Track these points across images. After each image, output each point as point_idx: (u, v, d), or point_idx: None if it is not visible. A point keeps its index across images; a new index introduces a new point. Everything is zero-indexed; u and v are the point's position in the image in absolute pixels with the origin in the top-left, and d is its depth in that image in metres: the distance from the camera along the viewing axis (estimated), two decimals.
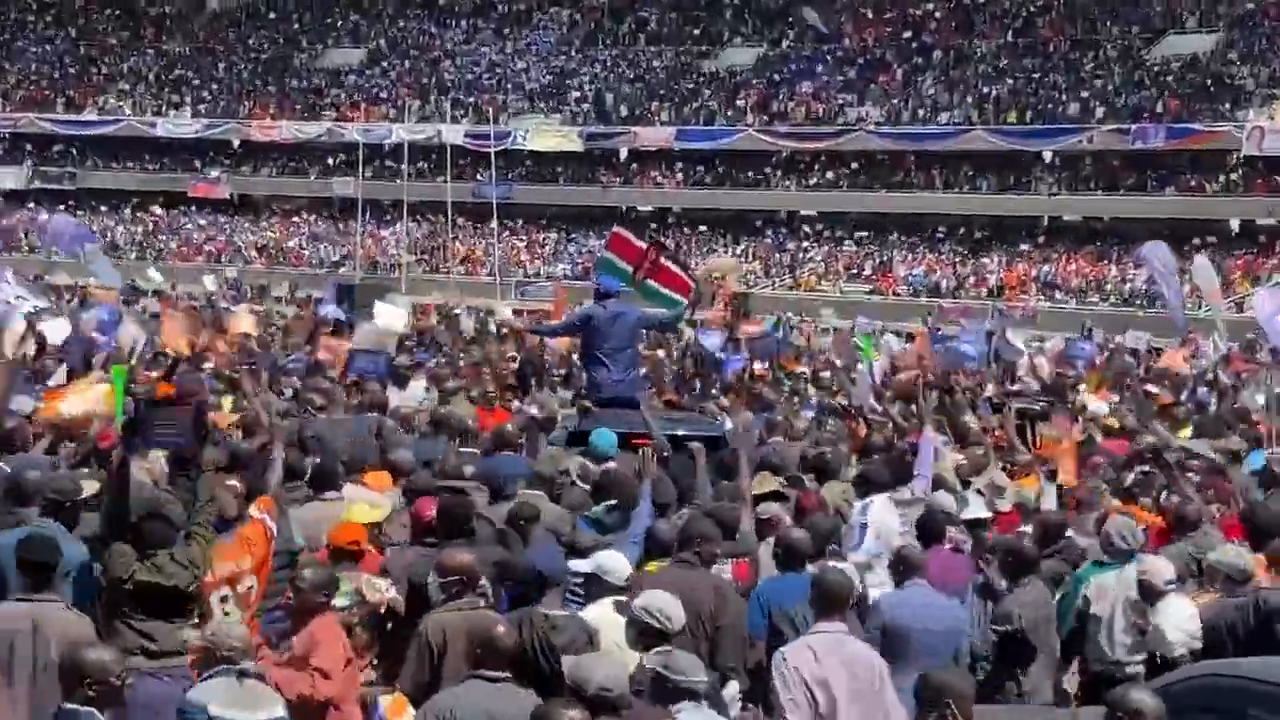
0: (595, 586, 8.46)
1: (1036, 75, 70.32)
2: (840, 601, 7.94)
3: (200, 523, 8.63)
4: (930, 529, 10.47)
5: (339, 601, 8.67)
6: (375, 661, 9.12)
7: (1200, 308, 39.50)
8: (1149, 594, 9.47)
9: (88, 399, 12.86)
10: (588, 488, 11.27)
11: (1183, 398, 22.13)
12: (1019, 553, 9.92)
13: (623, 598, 8.17)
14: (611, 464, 11.65)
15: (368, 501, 10.61)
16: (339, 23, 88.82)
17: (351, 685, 8.18)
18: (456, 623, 8.02)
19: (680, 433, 12.89)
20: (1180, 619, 9.19)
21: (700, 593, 8.61)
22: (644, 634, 7.44)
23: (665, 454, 11.89)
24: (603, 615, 8.08)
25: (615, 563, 8.54)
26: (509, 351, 24.75)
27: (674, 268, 19.27)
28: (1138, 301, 60.24)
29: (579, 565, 8.69)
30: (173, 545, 8.38)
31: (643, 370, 18.02)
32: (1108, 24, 71.87)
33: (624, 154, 74.84)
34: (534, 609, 7.98)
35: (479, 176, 74.41)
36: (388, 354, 20.66)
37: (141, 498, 9.01)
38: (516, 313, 41.39)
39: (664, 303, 18.69)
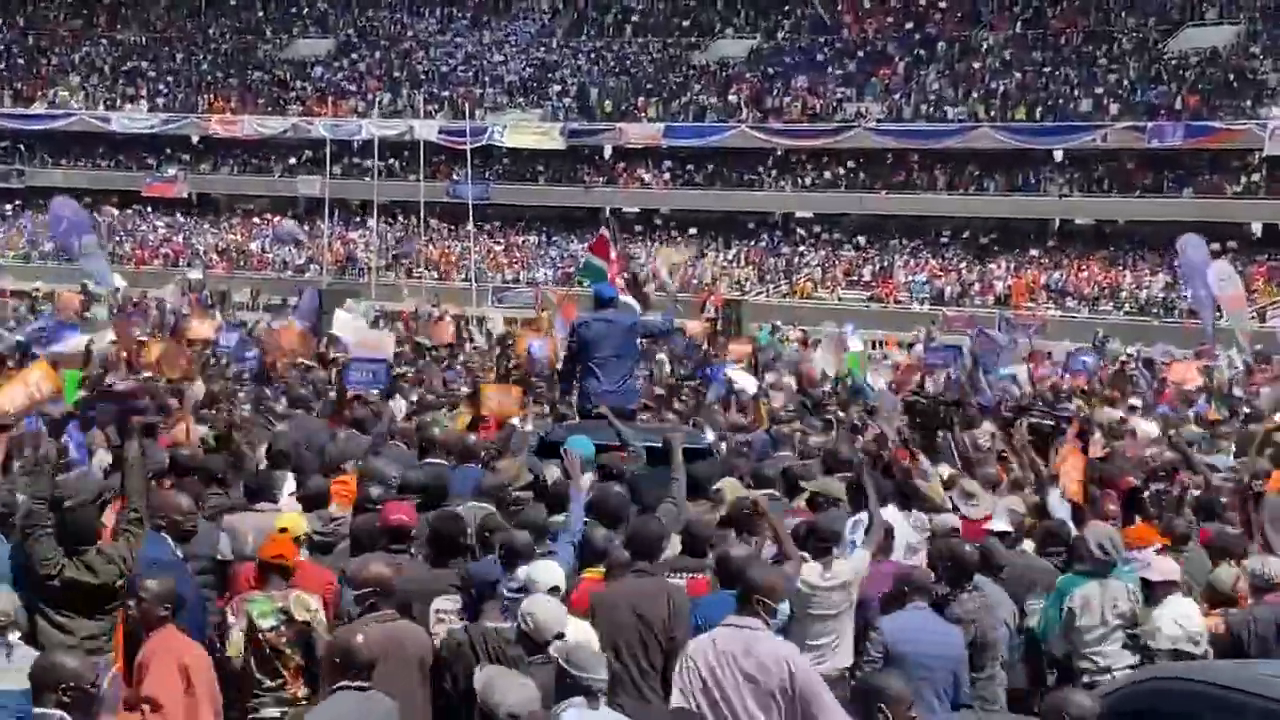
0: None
1: (1047, 69, 68.22)
2: (753, 598, 7.92)
3: (131, 520, 8.74)
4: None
5: (265, 622, 8.70)
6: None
7: (1222, 316, 37.44)
8: (1152, 592, 9.81)
9: (28, 385, 12.99)
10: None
11: (1190, 413, 22.26)
12: (959, 559, 9.81)
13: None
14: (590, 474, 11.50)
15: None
16: (305, 11, 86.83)
17: (199, 705, 7.86)
18: (373, 635, 7.97)
19: (661, 444, 12.54)
20: (1180, 616, 9.57)
21: (655, 603, 8.68)
22: (522, 638, 7.80)
23: (618, 471, 11.77)
24: None
25: (545, 574, 8.40)
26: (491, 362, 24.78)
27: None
28: (1154, 310, 58.69)
29: (514, 578, 8.59)
30: (98, 540, 8.62)
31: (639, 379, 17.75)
32: (1123, 15, 69.90)
33: (608, 151, 72.58)
34: (483, 623, 8.18)
35: (454, 175, 72.23)
36: (387, 361, 20.24)
37: (70, 483, 9.46)
38: (509, 322, 39.51)
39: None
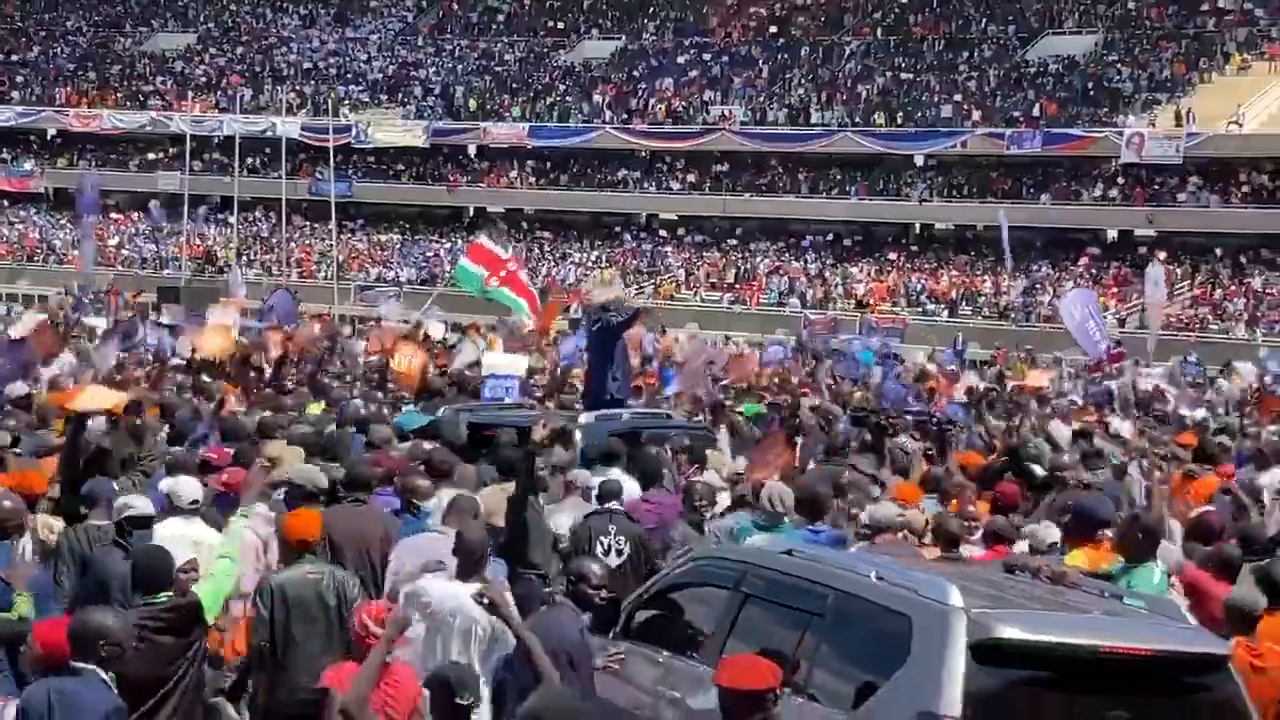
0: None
1: (908, 75, 68.68)
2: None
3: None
4: (647, 473, 13.03)
5: None
6: None
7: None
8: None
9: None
10: None
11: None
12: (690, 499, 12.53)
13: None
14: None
15: None
16: (166, 4, 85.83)
17: None
18: None
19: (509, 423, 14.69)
20: None
21: (370, 526, 10.69)
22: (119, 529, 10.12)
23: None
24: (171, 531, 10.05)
25: (184, 487, 10.49)
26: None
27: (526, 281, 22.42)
28: (1012, 315, 58.74)
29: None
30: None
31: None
32: (983, 22, 70.64)
33: (473, 150, 71.86)
34: (88, 522, 10.40)
35: (317, 173, 71.38)
36: (520, 378, 20.74)
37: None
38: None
39: (512, 305, 23.50)
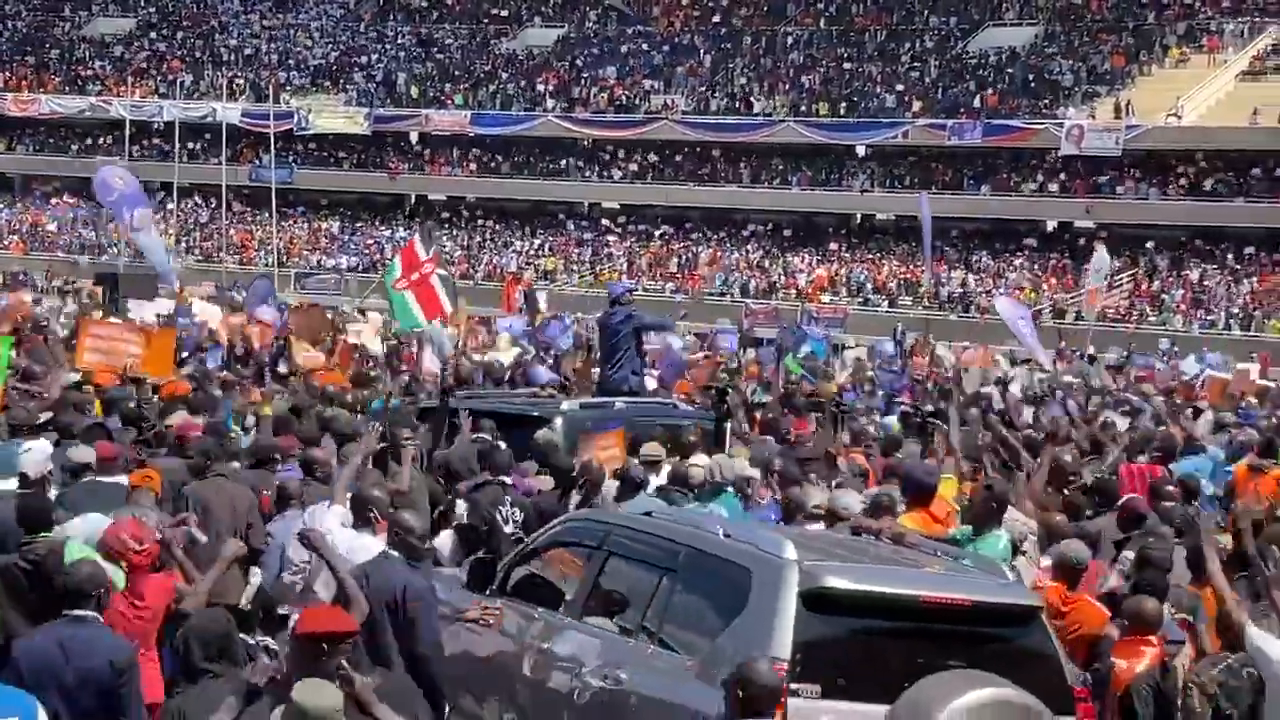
0: None
1: (850, 65, 68.78)
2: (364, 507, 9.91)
3: None
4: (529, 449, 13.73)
5: None
6: None
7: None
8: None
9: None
10: None
11: None
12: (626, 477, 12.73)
13: None
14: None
15: None
16: None
17: None
18: None
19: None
20: None
21: (239, 499, 11.47)
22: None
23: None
24: None
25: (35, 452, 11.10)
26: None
27: (440, 293, 21.68)
28: (952, 305, 59.30)
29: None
30: None
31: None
32: (925, 13, 70.86)
33: (415, 138, 71.66)
34: None
35: (257, 159, 70.89)
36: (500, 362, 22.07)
37: None
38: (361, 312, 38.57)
39: (402, 314, 21.65)
